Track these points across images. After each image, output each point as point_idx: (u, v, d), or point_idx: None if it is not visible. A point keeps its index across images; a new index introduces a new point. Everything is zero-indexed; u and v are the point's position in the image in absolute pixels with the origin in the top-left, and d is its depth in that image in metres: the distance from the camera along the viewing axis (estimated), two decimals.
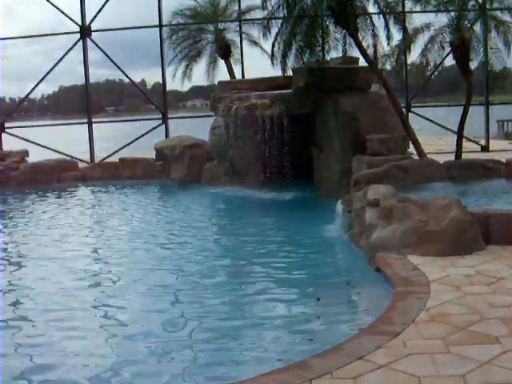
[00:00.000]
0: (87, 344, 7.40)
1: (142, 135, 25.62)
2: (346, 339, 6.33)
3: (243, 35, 25.35)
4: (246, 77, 24.47)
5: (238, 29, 25.43)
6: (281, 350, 6.87)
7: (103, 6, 24.97)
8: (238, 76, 24.65)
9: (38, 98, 62.94)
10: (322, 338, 7.01)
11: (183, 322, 7.94)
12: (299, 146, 17.11)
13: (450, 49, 17.29)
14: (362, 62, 17.93)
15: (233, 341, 7.26)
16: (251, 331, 7.56)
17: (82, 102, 28.23)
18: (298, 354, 6.44)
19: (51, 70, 25.81)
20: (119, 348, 7.29)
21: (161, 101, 26.41)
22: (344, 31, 17.29)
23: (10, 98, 44.24)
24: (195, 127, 24.57)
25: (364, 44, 17.09)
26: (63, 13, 25.19)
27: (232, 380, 5.77)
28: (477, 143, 24.24)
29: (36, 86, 26.52)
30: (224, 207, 17.48)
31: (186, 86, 28.66)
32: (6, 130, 25.86)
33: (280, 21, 18.14)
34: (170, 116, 25.67)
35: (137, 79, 25.95)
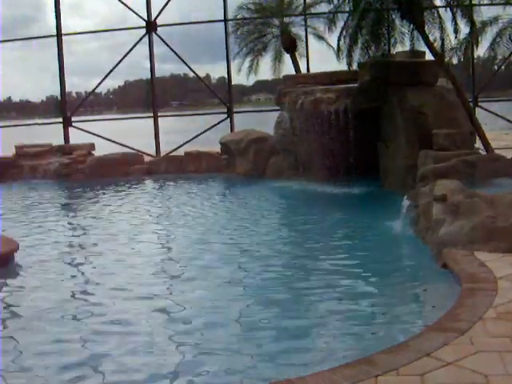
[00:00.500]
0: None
1: (208, 129, 25.74)
2: (412, 336, 6.31)
3: (308, 29, 25.31)
4: (311, 71, 24.45)
5: (303, 23, 25.39)
6: (346, 346, 6.86)
7: (169, 0, 25.17)
8: (303, 70, 24.62)
9: (104, 92, 63.61)
10: (387, 334, 6.99)
11: (247, 317, 7.98)
12: (365, 141, 17.02)
13: None
14: (429, 56, 17.80)
15: (297, 336, 7.27)
16: (316, 326, 7.55)
17: (147, 97, 28.51)
18: (364, 350, 6.43)
19: (117, 64, 26.11)
20: (183, 342, 7.36)
21: (226, 95, 26.51)
22: (410, 25, 17.17)
23: (76, 93, 44.88)
24: (259, 121, 24.60)
25: (430, 38, 16.95)
26: (130, 8, 25.47)
27: (297, 375, 5.78)
28: None
29: (102, 80, 26.83)
30: (289, 201, 17.42)
31: (249, 81, 28.73)
32: (73, 124, 26.25)
33: (346, 14, 18.09)
34: (235, 110, 25.76)
35: (201, 74, 26.20)
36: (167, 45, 25.47)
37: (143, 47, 25.83)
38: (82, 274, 10.74)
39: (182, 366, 6.64)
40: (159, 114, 26.11)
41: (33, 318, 8.27)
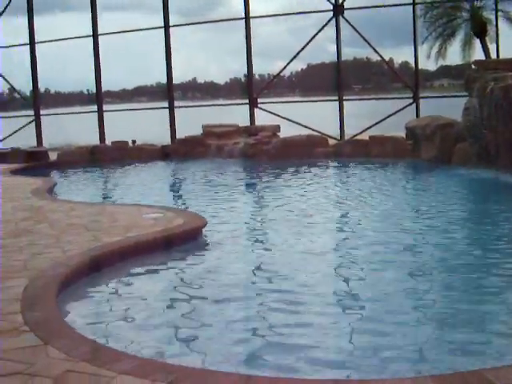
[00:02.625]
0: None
1: (394, 113, 25.59)
2: None
3: (500, 13, 24.64)
4: (502, 56, 23.81)
5: (494, 6, 24.73)
6: None
7: None
8: (493, 55, 24.03)
9: (287, 75, 64.44)
10: None
11: (427, 309, 7.84)
12: None
13: None
14: None
15: (480, 327, 7.11)
16: (498, 319, 7.35)
17: (330, 80, 28.64)
18: None
19: (304, 47, 26.54)
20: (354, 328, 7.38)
21: (410, 80, 26.23)
22: None
23: (259, 75, 45.66)
24: (442, 107, 24.15)
25: None
26: None
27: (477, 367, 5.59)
28: None
29: (289, 63, 27.39)
30: (475, 193, 16.88)
31: (432, 66, 28.38)
32: (259, 106, 26.83)
33: None
34: (421, 95, 25.45)
35: (384, 57, 26.02)
36: (355, 29, 25.52)
37: (326, 30, 26.07)
38: (266, 250, 11.09)
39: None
40: (345, 98, 26.26)
41: (223, 291, 8.59)
